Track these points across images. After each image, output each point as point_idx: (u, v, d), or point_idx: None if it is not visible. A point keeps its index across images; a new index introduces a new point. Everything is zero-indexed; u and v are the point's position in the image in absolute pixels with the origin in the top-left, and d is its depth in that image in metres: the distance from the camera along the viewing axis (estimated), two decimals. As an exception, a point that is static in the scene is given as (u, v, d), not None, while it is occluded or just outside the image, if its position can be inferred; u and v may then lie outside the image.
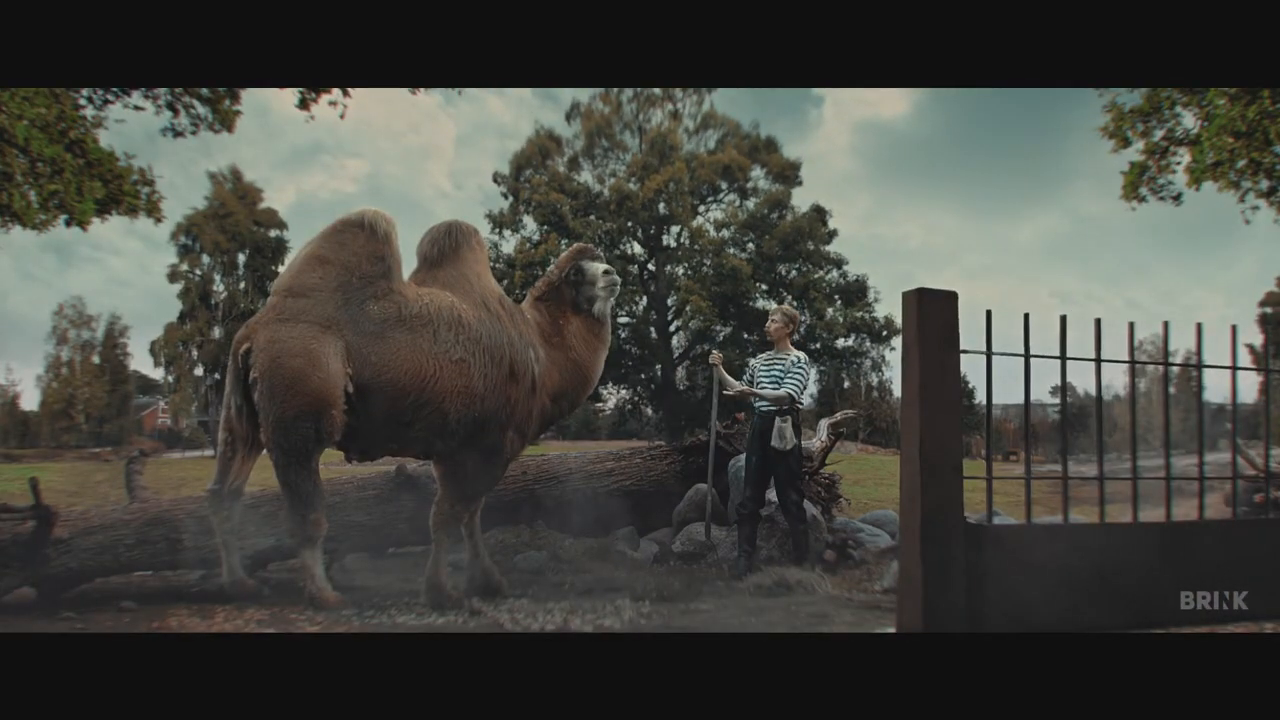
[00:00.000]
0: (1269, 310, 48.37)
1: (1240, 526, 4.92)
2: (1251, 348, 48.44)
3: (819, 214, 25.76)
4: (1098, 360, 4.45)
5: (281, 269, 39.93)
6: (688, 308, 24.67)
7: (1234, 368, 4.75)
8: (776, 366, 6.23)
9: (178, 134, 8.02)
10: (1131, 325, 4.54)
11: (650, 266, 26.60)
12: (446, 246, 5.33)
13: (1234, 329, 4.75)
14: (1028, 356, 4.37)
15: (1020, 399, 4.59)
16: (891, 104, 69.39)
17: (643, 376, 25.86)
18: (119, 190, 7.60)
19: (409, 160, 73.63)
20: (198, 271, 47.47)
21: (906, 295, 4.23)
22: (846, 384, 59.57)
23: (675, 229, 26.06)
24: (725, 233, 26.22)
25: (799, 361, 6.16)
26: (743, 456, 6.50)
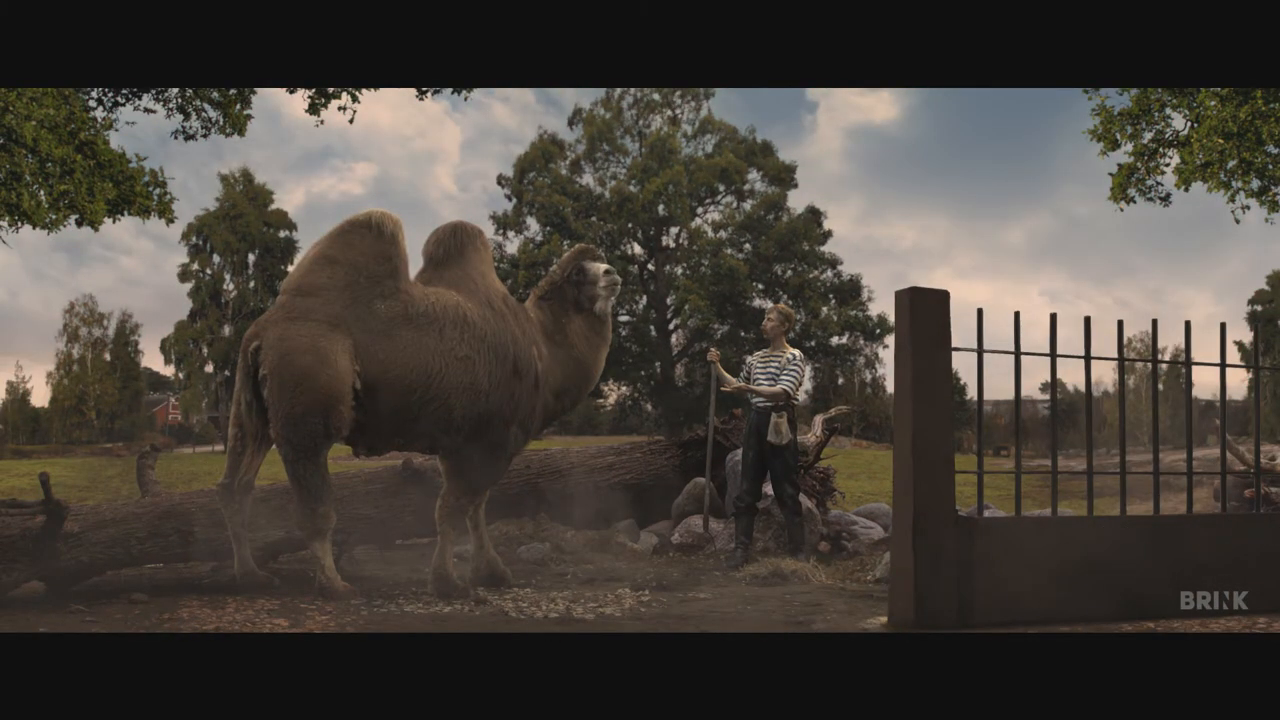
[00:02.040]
0: (1258, 308, 48.45)
1: (1228, 521, 5.05)
2: (1241, 345, 48.35)
3: (814, 215, 25.92)
4: (1087, 358, 4.58)
5: (291, 268, 40.31)
6: (686, 306, 24.80)
7: (1223, 365, 4.89)
8: (773, 363, 6.36)
9: (189, 137, 8.14)
10: (1120, 324, 4.67)
11: (650, 266, 26.72)
12: (452, 247, 5.44)
13: (1223, 326, 4.89)
14: (1018, 354, 4.51)
15: (1011, 395, 4.72)
16: (883, 109, 69.46)
17: (643, 373, 26.00)
18: (130, 192, 7.70)
19: (416, 164, 73.89)
20: (208, 271, 47.68)
21: (899, 294, 4.36)
22: (840, 381, 59.67)
23: (674, 230, 26.20)
24: (723, 234, 26.35)
25: (795, 359, 6.29)
26: (739, 451, 6.63)
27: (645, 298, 26.24)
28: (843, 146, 69.80)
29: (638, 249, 26.77)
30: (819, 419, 8.03)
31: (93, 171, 7.40)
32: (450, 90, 8.62)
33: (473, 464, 5.14)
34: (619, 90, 27.28)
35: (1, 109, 6.85)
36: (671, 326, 26.89)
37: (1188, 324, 4.82)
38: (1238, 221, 10.10)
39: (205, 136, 8.02)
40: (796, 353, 6.34)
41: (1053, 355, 4.55)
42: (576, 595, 5.00)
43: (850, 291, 25.82)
